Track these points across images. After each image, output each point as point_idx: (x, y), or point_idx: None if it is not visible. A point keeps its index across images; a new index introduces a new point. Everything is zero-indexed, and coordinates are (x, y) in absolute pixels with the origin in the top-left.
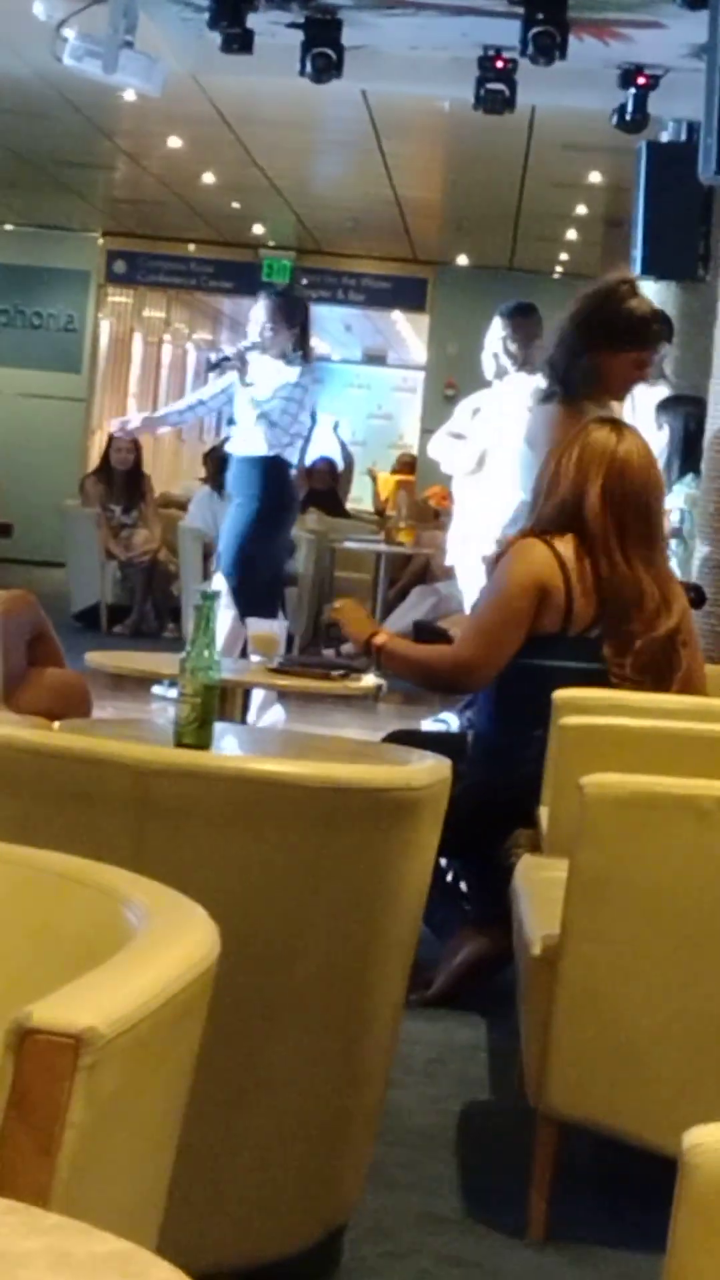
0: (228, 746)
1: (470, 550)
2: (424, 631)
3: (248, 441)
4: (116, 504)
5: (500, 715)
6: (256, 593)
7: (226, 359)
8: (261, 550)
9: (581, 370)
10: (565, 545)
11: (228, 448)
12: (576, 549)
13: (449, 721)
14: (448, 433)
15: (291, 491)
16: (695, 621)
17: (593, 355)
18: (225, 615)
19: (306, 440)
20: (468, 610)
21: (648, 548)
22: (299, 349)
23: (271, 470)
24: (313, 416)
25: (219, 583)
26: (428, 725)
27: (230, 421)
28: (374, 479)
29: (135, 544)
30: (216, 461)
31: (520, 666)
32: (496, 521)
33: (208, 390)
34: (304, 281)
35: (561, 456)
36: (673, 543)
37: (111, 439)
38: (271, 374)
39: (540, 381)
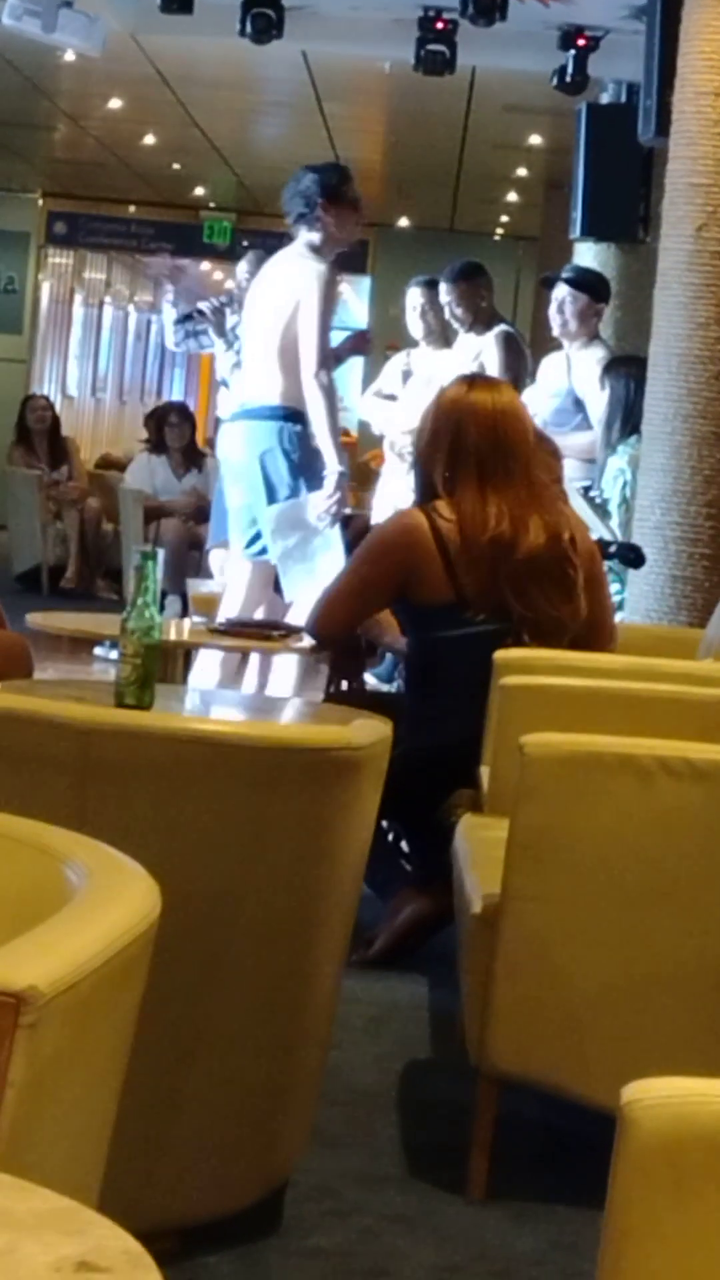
0: (169, 707)
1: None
2: None
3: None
4: (42, 465)
5: (415, 685)
6: None
7: (199, 312)
8: None
9: None
10: (447, 510)
11: (228, 412)
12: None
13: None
14: (376, 393)
15: None
16: (636, 583)
17: None
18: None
19: None
20: None
21: (502, 477)
22: None
23: None
24: None
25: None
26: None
27: (223, 383)
28: None
29: (64, 489)
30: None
31: (421, 641)
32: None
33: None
34: (245, 243)
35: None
36: (614, 504)
37: (26, 400)
38: None
39: (490, 342)
